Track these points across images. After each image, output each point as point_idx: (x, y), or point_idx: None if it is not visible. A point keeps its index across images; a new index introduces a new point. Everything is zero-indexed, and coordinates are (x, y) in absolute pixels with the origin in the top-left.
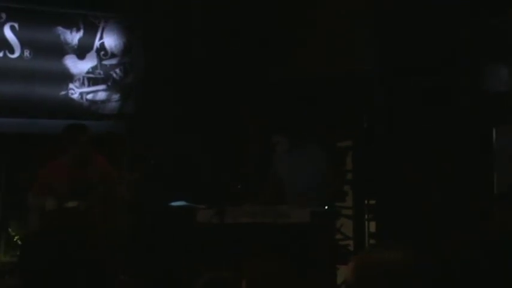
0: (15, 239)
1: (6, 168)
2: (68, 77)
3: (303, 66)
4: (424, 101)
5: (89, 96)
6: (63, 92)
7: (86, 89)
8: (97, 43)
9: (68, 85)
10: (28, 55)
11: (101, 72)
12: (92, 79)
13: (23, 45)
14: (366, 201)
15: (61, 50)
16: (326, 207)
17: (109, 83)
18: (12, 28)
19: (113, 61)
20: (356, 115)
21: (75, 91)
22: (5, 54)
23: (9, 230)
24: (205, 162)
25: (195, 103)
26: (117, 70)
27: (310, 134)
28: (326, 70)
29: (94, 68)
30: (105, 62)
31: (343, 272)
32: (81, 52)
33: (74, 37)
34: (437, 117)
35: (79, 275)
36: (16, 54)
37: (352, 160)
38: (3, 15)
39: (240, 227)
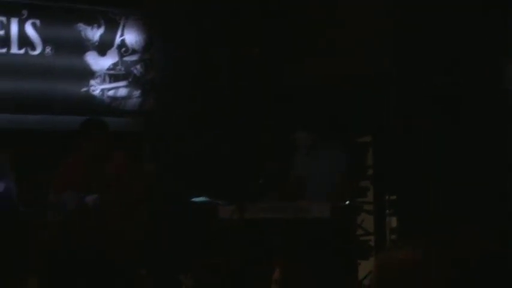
0: None
1: (27, 166)
2: (89, 74)
3: (324, 66)
4: (442, 97)
5: (110, 93)
6: (84, 89)
7: (107, 86)
8: (118, 40)
9: (89, 82)
10: (49, 52)
11: (122, 69)
12: (113, 76)
13: (45, 42)
14: (386, 197)
15: (82, 46)
16: (347, 202)
17: (130, 80)
18: (33, 25)
19: (134, 57)
20: (376, 111)
21: (96, 88)
22: (26, 51)
23: None
24: (226, 158)
25: (215, 99)
26: (138, 66)
27: (331, 131)
28: (347, 68)
29: (115, 65)
30: (126, 59)
31: (364, 267)
32: (102, 49)
33: (94, 34)
34: (456, 114)
35: (98, 272)
36: (37, 51)
37: (372, 155)
38: (25, 12)
39: (261, 222)
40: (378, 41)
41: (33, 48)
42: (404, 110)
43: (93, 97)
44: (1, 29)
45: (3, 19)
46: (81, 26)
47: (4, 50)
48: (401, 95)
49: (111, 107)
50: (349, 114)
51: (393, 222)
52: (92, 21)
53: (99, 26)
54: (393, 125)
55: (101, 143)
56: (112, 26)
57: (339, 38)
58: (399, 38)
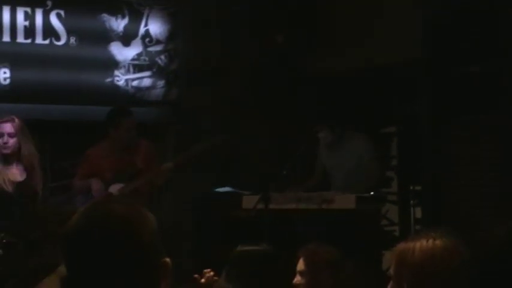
0: None
1: (52, 156)
2: (113, 64)
3: (348, 55)
4: (469, 87)
5: (134, 83)
6: (108, 79)
7: (131, 76)
8: (142, 30)
9: (113, 72)
10: (74, 42)
11: (146, 59)
12: (137, 66)
13: (69, 32)
14: (411, 187)
15: (106, 37)
16: (371, 193)
17: (154, 70)
18: (58, 15)
19: (158, 48)
20: (400, 101)
21: (120, 78)
22: (51, 41)
23: None
24: (250, 148)
25: (239, 89)
26: (162, 57)
27: (355, 121)
28: (371, 58)
29: (139, 55)
30: (150, 49)
31: (389, 258)
32: (126, 39)
33: (119, 24)
34: (483, 104)
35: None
36: (62, 42)
37: (396, 146)
38: (49, 3)
39: (285, 212)
40: (405, 30)
41: (58, 38)
42: (429, 100)
43: (117, 87)
44: (26, 20)
45: (28, 10)
46: (105, 17)
47: (29, 41)
48: (426, 84)
49: (135, 97)
50: (374, 104)
51: (418, 212)
52: (116, 12)
53: (123, 17)
54: (418, 115)
55: (128, 132)
56: (136, 16)
57: (364, 27)
58: (426, 26)
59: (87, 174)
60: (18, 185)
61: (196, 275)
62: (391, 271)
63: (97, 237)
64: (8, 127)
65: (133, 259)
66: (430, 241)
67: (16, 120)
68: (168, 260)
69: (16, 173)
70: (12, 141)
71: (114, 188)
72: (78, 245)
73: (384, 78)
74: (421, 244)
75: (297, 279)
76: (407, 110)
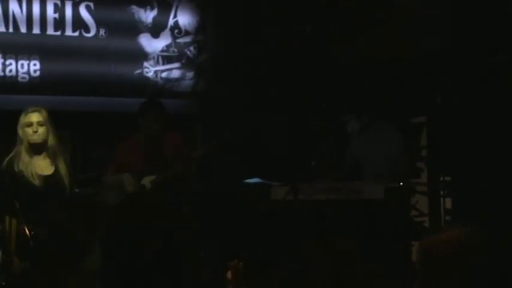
0: None
1: (81, 147)
2: (142, 56)
3: (376, 46)
4: (499, 77)
5: (164, 75)
6: (138, 71)
7: (160, 67)
8: (171, 21)
9: (142, 63)
10: (103, 34)
11: (175, 51)
12: (166, 57)
13: (98, 24)
14: (441, 178)
15: (135, 28)
16: (401, 183)
17: (183, 61)
18: (87, 7)
19: (187, 39)
20: (430, 91)
21: (149, 69)
22: (80, 33)
23: None
24: (279, 139)
25: (267, 81)
26: (191, 48)
27: (384, 111)
28: (400, 49)
29: (168, 46)
30: (179, 40)
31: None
32: (155, 31)
33: (148, 16)
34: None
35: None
36: (91, 34)
37: (426, 136)
38: None
39: (314, 203)
40: (433, 20)
41: (87, 30)
42: (459, 90)
43: (147, 79)
44: (56, 12)
45: (58, 2)
46: (134, 8)
47: (59, 33)
48: (456, 74)
49: (165, 88)
50: (404, 94)
51: (448, 203)
52: (145, 3)
53: (152, 8)
54: (448, 106)
55: (155, 122)
56: (165, 8)
57: (395, 18)
58: (455, 17)
59: (119, 169)
60: (46, 178)
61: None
62: (418, 267)
63: (137, 230)
64: (36, 116)
65: (168, 250)
66: (454, 233)
67: (43, 110)
68: (200, 254)
69: (43, 166)
70: (41, 129)
71: (146, 181)
72: (118, 238)
73: (414, 68)
74: (445, 236)
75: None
76: (437, 100)
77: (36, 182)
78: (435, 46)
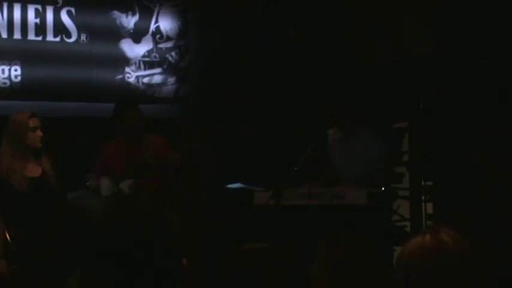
0: None
1: (63, 152)
2: (124, 61)
3: (359, 49)
4: (480, 83)
5: (145, 80)
6: (119, 76)
7: (142, 73)
8: (152, 27)
9: (124, 69)
10: (85, 39)
11: (157, 56)
12: (147, 63)
13: (80, 29)
14: (422, 183)
15: (117, 34)
16: (383, 188)
17: (165, 66)
18: (68, 13)
19: (169, 44)
20: (412, 96)
21: (131, 75)
22: (62, 38)
23: None
24: (261, 144)
25: (250, 86)
26: (173, 53)
27: (366, 116)
28: (382, 54)
29: (150, 52)
30: (160, 46)
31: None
32: (137, 36)
33: (129, 21)
34: (494, 99)
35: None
36: (73, 39)
37: (408, 141)
38: (60, 0)
39: (296, 208)
40: (416, 25)
41: (69, 35)
42: (440, 95)
43: (128, 84)
44: (37, 17)
45: (39, 7)
46: (115, 14)
47: (40, 38)
48: (438, 79)
49: (146, 94)
50: (386, 99)
51: (429, 208)
52: (126, 9)
53: (133, 13)
54: (429, 111)
55: (134, 123)
56: (146, 13)
57: (377, 22)
58: (438, 21)
59: (102, 170)
60: (35, 180)
61: None
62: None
63: (118, 235)
64: (38, 121)
65: (153, 258)
66: (431, 237)
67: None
68: (184, 260)
69: (33, 169)
70: (42, 134)
71: (124, 185)
72: (99, 243)
73: (396, 73)
74: (421, 240)
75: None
76: (419, 105)
77: (25, 186)
78: (418, 51)
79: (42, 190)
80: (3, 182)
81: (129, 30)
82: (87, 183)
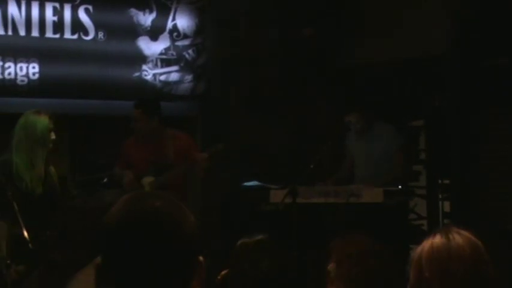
0: None
1: (80, 150)
2: (141, 59)
3: (377, 47)
4: (496, 81)
5: (162, 78)
6: (136, 74)
7: (159, 70)
8: (170, 24)
9: (141, 66)
10: (102, 37)
11: (174, 54)
12: (164, 60)
13: (97, 27)
14: (439, 181)
15: (134, 31)
16: (399, 186)
17: (182, 64)
18: (86, 10)
19: (186, 42)
20: (428, 94)
21: (148, 72)
22: (79, 36)
23: None
24: (278, 142)
25: (267, 83)
26: (190, 51)
27: (383, 114)
28: (401, 50)
29: (167, 49)
30: (177, 43)
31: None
32: (154, 33)
33: (147, 19)
34: (509, 97)
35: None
36: (90, 37)
37: (425, 139)
38: None
39: (313, 206)
40: (433, 22)
41: (86, 33)
42: (458, 92)
43: (145, 82)
44: (55, 15)
45: (57, 5)
46: (133, 11)
47: (57, 36)
48: (455, 77)
49: (163, 91)
50: (403, 97)
51: (446, 206)
52: (144, 6)
53: (151, 11)
54: (446, 109)
55: (137, 122)
56: (164, 11)
57: (395, 20)
58: (455, 19)
59: (124, 164)
60: (49, 181)
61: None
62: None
63: (136, 230)
64: (52, 122)
65: (171, 254)
66: (441, 237)
67: None
68: (202, 258)
69: (49, 170)
70: (55, 137)
71: (146, 181)
72: (116, 238)
73: (413, 71)
74: (431, 240)
75: (332, 265)
76: (435, 103)
77: (37, 187)
78: (435, 48)
79: (54, 191)
80: (13, 180)
81: (146, 28)
82: (109, 174)
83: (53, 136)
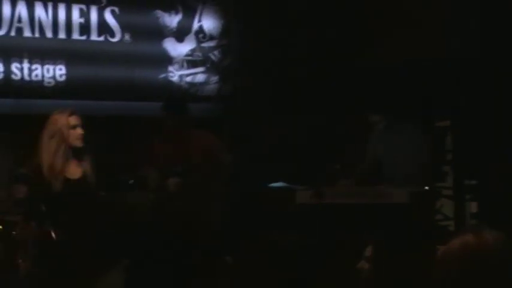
0: None
1: (106, 151)
2: (167, 60)
3: (405, 46)
4: None
5: (188, 79)
6: (162, 75)
7: (185, 72)
8: (195, 26)
9: (167, 68)
10: (128, 39)
11: (200, 55)
12: (190, 62)
13: (123, 29)
14: (466, 182)
15: (160, 33)
16: (426, 187)
17: (207, 65)
18: (112, 12)
19: (211, 43)
20: (454, 95)
21: (174, 74)
22: (106, 38)
23: None
24: (303, 142)
25: (293, 84)
26: (216, 52)
27: (408, 114)
28: (429, 50)
29: (193, 51)
30: (203, 45)
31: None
32: (180, 35)
33: (172, 20)
34: None
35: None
36: (116, 38)
37: (451, 140)
38: (104, 0)
39: (338, 207)
40: (463, 22)
41: (112, 35)
42: (484, 94)
43: (171, 83)
44: (81, 17)
45: (84, 7)
46: (159, 13)
47: (84, 37)
48: (481, 77)
49: (189, 93)
50: (429, 97)
51: (473, 207)
52: (169, 8)
53: (176, 13)
54: (472, 109)
55: (174, 122)
56: (189, 12)
57: (423, 18)
58: (482, 20)
59: (153, 162)
60: (73, 182)
61: None
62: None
63: (163, 234)
64: (78, 119)
65: (195, 256)
66: (471, 237)
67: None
68: (228, 258)
69: (73, 170)
70: (82, 132)
71: (172, 182)
72: (145, 240)
73: (440, 71)
74: (461, 240)
75: (362, 264)
76: (461, 103)
77: (63, 187)
78: (461, 49)
79: (79, 193)
80: (42, 181)
81: (172, 30)
82: (136, 175)
83: (79, 131)
